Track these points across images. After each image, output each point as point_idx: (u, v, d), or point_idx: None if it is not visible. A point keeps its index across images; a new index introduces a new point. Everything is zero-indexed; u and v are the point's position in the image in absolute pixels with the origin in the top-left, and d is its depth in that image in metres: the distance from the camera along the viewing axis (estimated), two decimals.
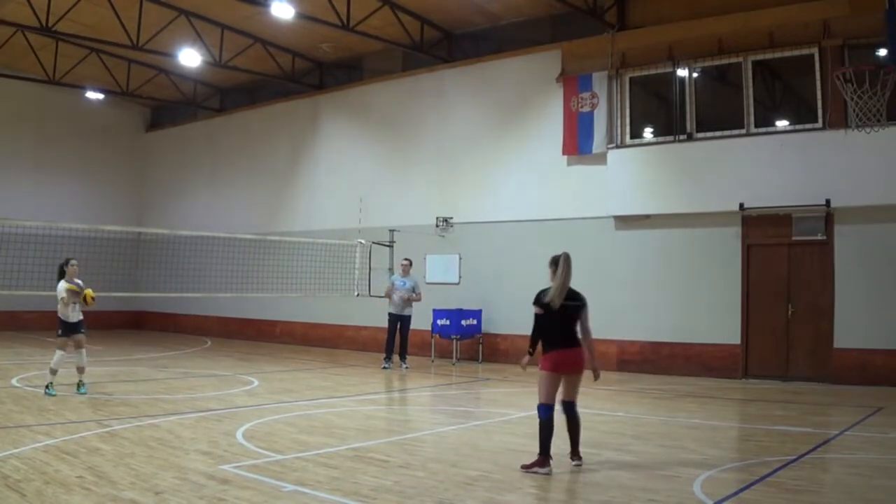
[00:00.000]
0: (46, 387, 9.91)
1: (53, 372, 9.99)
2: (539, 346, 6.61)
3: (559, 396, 6.53)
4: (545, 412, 6.41)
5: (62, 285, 10.05)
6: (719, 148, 13.42)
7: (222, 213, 21.28)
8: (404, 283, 14.53)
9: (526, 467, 6.36)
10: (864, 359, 11.95)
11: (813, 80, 12.60)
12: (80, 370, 10.19)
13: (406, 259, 14.82)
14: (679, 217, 13.73)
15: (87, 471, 5.95)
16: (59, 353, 10.02)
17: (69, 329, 10.15)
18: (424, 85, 17.46)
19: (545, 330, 6.57)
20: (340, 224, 17.79)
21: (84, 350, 10.29)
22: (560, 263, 6.55)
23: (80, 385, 10.14)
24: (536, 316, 6.60)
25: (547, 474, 6.24)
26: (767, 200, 12.76)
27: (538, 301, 6.58)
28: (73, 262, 10.33)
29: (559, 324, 6.51)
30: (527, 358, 6.71)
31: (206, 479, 5.82)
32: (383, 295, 14.84)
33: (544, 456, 6.33)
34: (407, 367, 14.29)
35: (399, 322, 14.48)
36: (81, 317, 10.32)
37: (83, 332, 10.33)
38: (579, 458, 6.57)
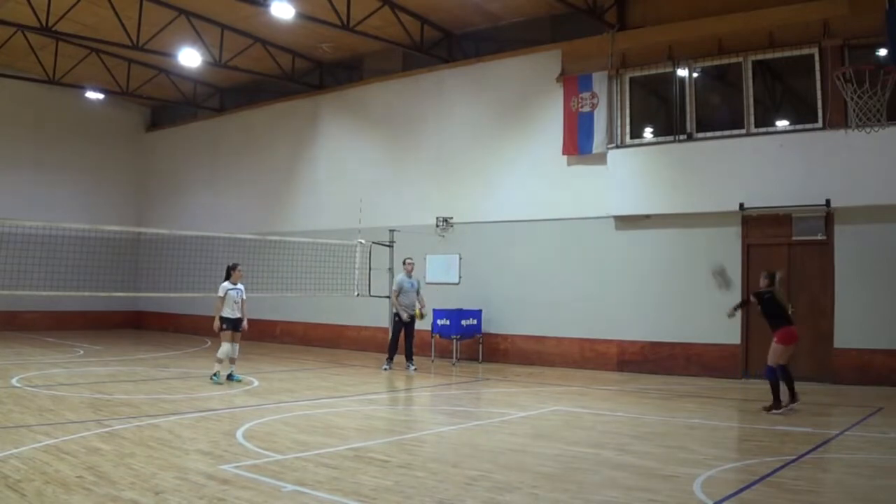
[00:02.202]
0: (214, 374, 11.66)
1: (219, 361, 11.71)
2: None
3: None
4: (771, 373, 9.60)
5: (223, 285, 11.81)
6: (719, 148, 13.42)
7: (222, 213, 21.28)
8: (413, 284, 14.24)
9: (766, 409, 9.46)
10: (864, 359, 11.96)
11: (813, 80, 12.60)
12: (232, 361, 11.86)
13: (409, 258, 14.60)
14: (679, 217, 13.74)
15: (87, 471, 5.95)
16: (223, 344, 11.73)
17: (231, 324, 11.77)
18: (424, 85, 17.46)
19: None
20: (340, 224, 17.79)
21: (237, 344, 11.90)
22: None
23: (232, 374, 11.87)
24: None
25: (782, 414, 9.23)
26: (767, 200, 12.77)
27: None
28: (240, 266, 12.09)
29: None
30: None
31: (206, 479, 5.82)
32: (392, 298, 14.26)
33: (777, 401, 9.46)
34: (415, 369, 14.05)
35: (408, 323, 14.12)
36: (239, 315, 11.86)
37: (240, 330, 11.92)
38: (796, 400, 9.57)
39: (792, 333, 9.62)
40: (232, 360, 11.87)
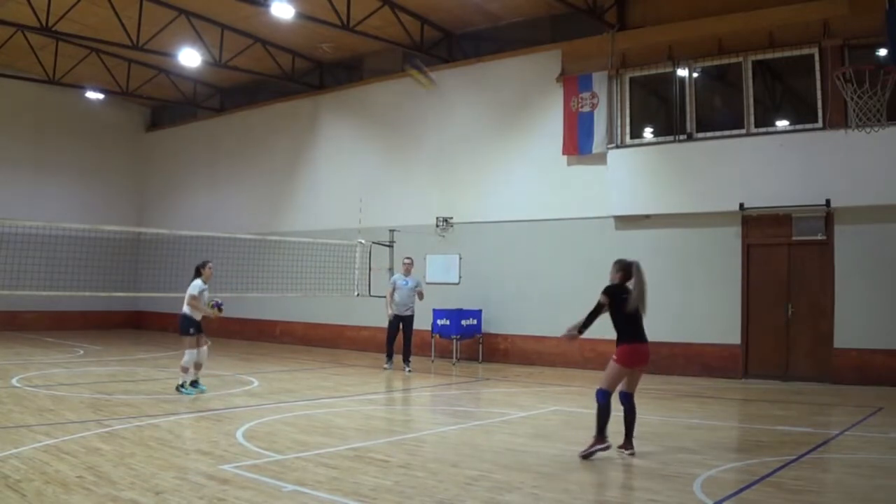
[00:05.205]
0: (181, 386, 10.27)
1: (185, 370, 10.32)
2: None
3: (620, 387, 7.16)
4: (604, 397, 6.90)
5: (198, 284, 10.40)
6: (719, 148, 13.42)
7: (222, 213, 21.27)
8: (407, 283, 14.26)
9: (584, 453, 6.71)
10: (864, 359, 11.95)
11: (813, 80, 12.60)
12: (199, 367, 10.52)
13: (408, 258, 14.65)
14: (679, 217, 13.73)
15: (87, 471, 5.95)
16: (188, 352, 10.31)
17: (199, 328, 10.44)
18: None
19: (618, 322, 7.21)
20: (340, 224, 17.79)
21: (205, 348, 10.57)
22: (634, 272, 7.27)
23: (197, 382, 10.49)
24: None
25: (606, 449, 6.67)
26: (767, 200, 12.76)
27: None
28: (210, 264, 10.67)
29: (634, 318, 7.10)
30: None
31: (206, 479, 5.82)
32: (386, 297, 14.28)
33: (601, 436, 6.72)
34: (410, 371, 13.99)
35: (401, 322, 14.17)
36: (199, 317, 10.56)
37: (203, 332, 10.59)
38: (632, 448, 6.96)
39: (638, 352, 7.31)
40: (198, 366, 10.51)
